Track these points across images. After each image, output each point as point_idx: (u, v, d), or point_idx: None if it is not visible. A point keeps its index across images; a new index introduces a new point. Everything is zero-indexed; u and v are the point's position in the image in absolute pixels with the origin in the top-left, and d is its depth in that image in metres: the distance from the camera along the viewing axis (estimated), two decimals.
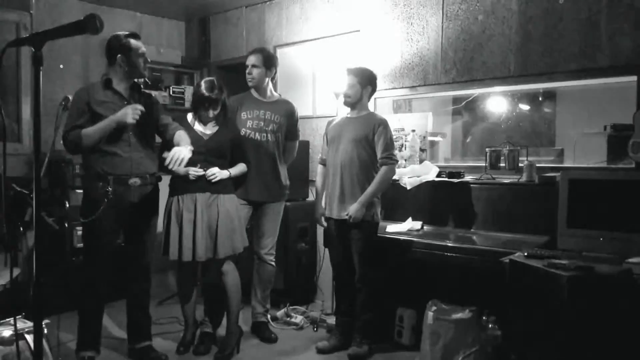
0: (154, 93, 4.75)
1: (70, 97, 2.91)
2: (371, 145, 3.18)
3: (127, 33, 2.97)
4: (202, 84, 3.11)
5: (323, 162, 3.42)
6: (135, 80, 3.05)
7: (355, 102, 3.24)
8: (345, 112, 3.39)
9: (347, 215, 3.13)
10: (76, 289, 3.02)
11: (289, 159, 3.65)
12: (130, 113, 2.83)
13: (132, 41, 2.93)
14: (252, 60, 3.45)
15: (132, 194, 2.97)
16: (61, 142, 2.90)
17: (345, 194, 3.19)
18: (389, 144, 3.18)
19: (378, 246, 3.22)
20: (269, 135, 3.45)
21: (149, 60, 3.06)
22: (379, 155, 3.17)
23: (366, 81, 3.23)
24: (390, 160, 3.16)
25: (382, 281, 3.39)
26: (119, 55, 2.91)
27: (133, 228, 3.06)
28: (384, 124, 3.19)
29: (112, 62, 2.94)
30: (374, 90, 3.31)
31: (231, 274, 3.15)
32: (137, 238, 3.08)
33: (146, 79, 3.13)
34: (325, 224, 3.37)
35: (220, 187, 3.08)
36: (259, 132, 3.43)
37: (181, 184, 3.08)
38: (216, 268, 3.15)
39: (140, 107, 2.88)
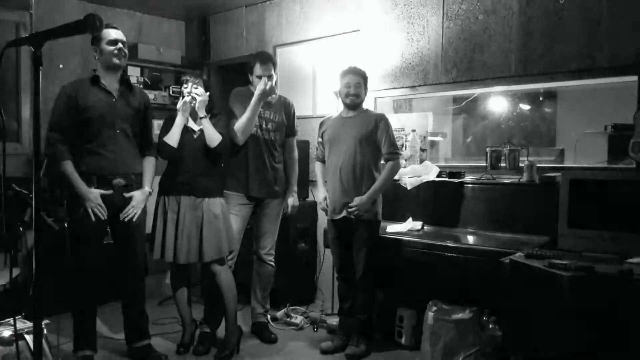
0: (153, 93, 4.76)
1: None
2: (374, 142, 3.18)
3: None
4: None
5: (321, 160, 3.42)
6: (125, 75, 3.01)
7: (362, 101, 3.27)
8: (334, 111, 3.40)
9: (352, 209, 3.11)
10: (69, 289, 2.99)
11: (292, 155, 3.63)
12: None
13: (103, 30, 2.82)
14: (268, 71, 3.37)
15: (117, 193, 2.93)
16: (45, 138, 2.81)
17: (347, 194, 3.18)
18: (392, 139, 3.21)
19: (379, 246, 3.22)
20: (270, 133, 3.45)
21: (125, 50, 2.93)
22: (384, 150, 3.19)
23: (366, 80, 3.28)
24: (396, 155, 3.19)
25: (383, 281, 3.39)
26: (92, 46, 2.90)
27: (119, 228, 3.02)
28: (384, 119, 3.23)
29: (94, 57, 2.93)
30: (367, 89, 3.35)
31: (223, 274, 3.14)
32: (124, 238, 3.04)
33: (125, 74, 3.01)
34: (326, 207, 3.33)
35: (206, 190, 3.07)
36: (259, 130, 3.42)
37: (168, 185, 3.09)
38: (206, 270, 3.15)
39: None
